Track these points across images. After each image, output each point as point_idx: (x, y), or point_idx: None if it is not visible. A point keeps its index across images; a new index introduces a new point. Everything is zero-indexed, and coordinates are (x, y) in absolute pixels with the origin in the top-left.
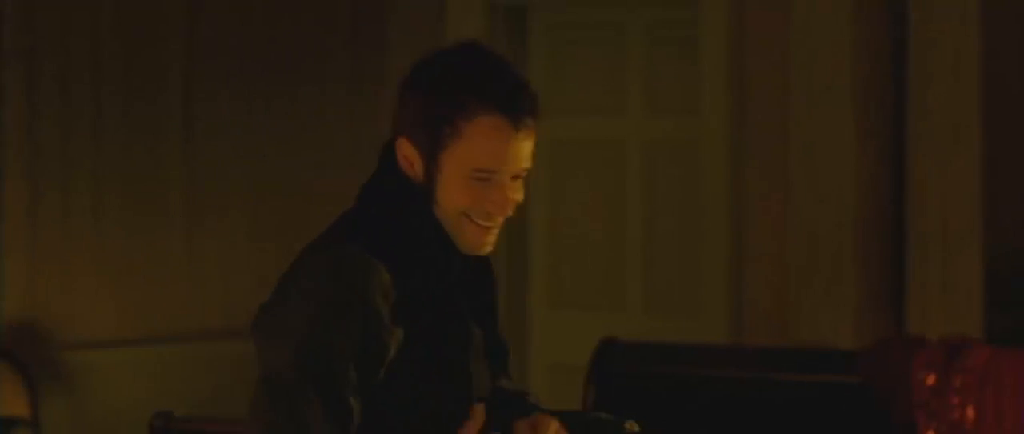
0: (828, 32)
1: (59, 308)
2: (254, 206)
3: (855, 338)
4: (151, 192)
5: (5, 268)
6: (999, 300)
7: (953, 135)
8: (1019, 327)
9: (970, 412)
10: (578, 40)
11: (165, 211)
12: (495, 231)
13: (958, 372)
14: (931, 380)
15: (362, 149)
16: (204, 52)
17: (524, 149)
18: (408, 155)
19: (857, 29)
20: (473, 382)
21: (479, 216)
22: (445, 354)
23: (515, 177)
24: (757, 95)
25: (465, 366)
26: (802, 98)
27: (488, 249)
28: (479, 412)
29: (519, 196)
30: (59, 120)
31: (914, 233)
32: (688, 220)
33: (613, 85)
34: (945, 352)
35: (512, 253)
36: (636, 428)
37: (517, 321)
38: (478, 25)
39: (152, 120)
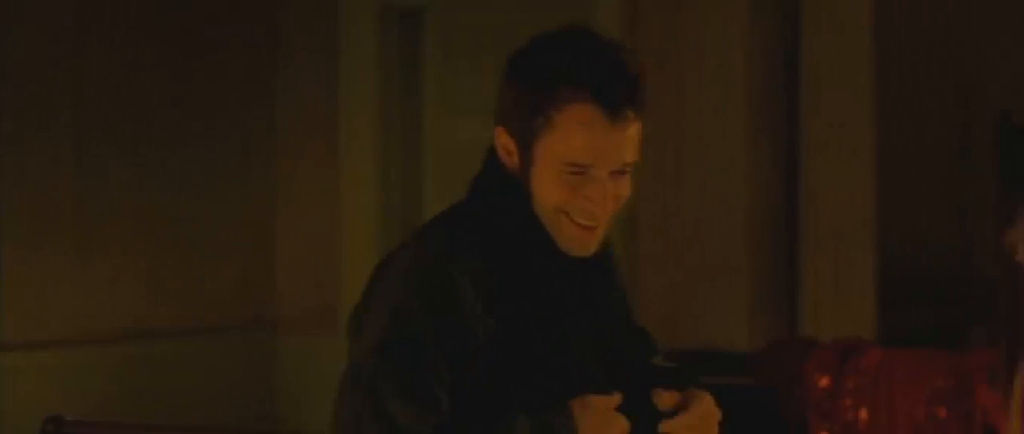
0: (722, 35)
1: None
2: (144, 232)
3: (749, 340)
4: (46, 217)
5: None
6: (892, 301)
7: (846, 138)
8: (912, 328)
9: (863, 413)
10: (471, 43)
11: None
12: (598, 231)
13: (851, 374)
14: (824, 382)
15: (248, 179)
16: (94, 95)
17: (624, 142)
18: (506, 145)
19: (751, 33)
20: (573, 377)
21: (577, 214)
22: (540, 347)
23: (616, 172)
24: (650, 98)
25: (562, 360)
26: (696, 101)
27: (588, 250)
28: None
29: (623, 192)
30: None
31: (807, 235)
32: None
33: None
34: (838, 354)
35: None
36: None
37: None
38: (372, 29)
39: (45, 155)
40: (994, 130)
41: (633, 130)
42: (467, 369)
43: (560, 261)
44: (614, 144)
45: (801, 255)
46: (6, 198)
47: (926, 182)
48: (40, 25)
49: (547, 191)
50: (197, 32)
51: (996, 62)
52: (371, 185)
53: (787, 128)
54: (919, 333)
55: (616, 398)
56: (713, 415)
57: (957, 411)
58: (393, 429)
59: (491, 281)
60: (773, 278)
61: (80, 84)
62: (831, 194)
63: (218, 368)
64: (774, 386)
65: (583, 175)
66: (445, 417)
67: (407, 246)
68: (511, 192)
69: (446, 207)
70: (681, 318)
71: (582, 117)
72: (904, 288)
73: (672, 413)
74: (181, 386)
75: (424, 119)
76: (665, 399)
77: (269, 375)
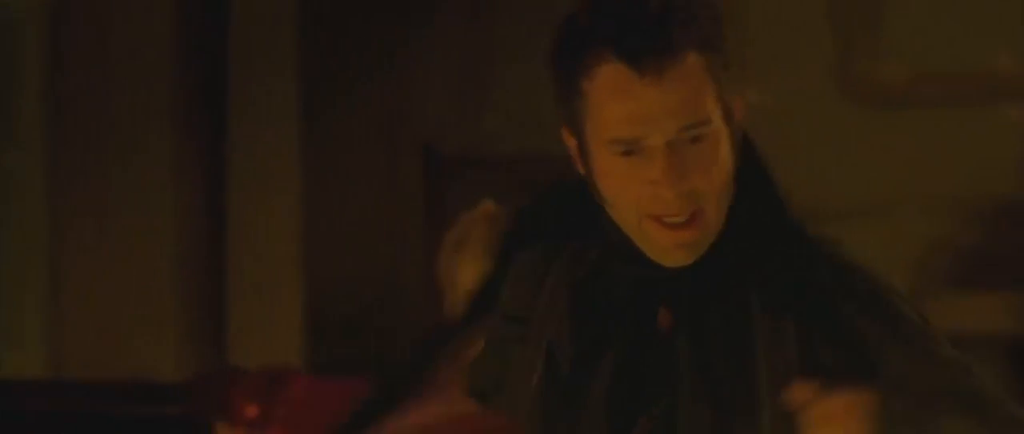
0: (144, 65)
1: None
2: None
3: (177, 370)
4: None
5: None
6: (321, 331)
7: (272, 168)
8: (341, 358)
9: None
10: None
11: None
12: (692, 230)
13: (279, 403)
14: (252, 411)
15: None
16: None
17: (670, 97)
18: (570, 145)
19: (173, 66)
20: (619, 416)
21: (652, 205)
22: (590, 384)
23: (684, 139)
24: (70, 121)
25: (612, 400)
26: (124, 128)
27: (688, 256)
28: None
29: (708, 161)
30: None
31: (234, 266)
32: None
33: None
34: (265, 383)
35: None
36: None
37: None
38: None
39: None
40: (420, 160)
41: (681, 78)
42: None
43: (652, 276)
44: (656, 103)
45: (229, 285)
46: None
47: (355, 213)
48: None
49: (610, 186)
50: None
51: (421, 96)
52: None
53: (213, 159)
54: (348, 363)
55: None
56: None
57: None
58: None
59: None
60: (201, 308)
61: None
62: (259, 224)
63: None
64: (203, 416)
65: (638, 154)
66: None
67: None
68: (581, 200)
69: None
70: (110, 349)
71: (610, 79)
72: (332, 318)
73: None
74: None
75: None
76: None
77: None
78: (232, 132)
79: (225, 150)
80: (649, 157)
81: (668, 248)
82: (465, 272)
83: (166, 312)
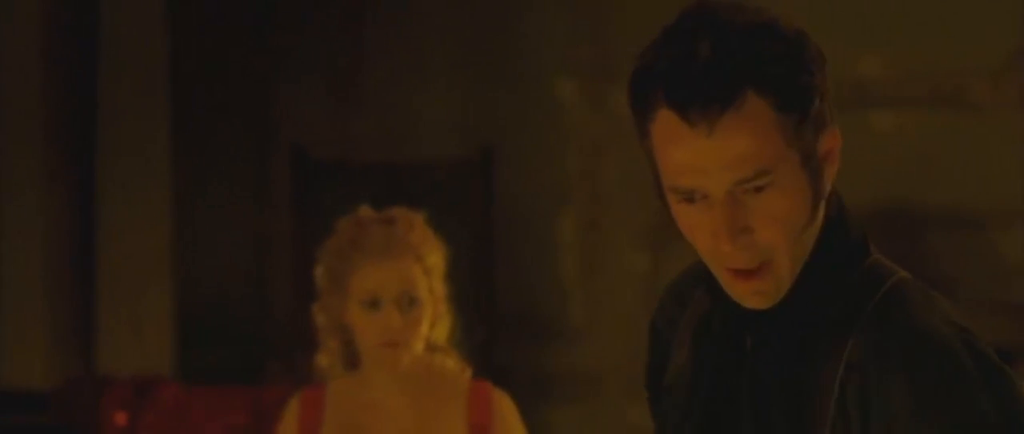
0: (12, 69)
1: None
2: None
3: (45, 378)
4: None
5: None
6: (191, 338)
7: (142, 173)
8: (211, 365)
9: None
10: None
11: None
12: (761, 280)
13: (148, 410)
14: (121, 419)
15: None
16: None
17: (724, 149)
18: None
19: (42, 70)
20: None
21: (717, 256)
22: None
23: (744, 190)
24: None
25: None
26: None
27: (757, 303)
28: None
29: (770, 211)
30: None
31: (104, 272)
32: None
33: None
34: (135, 390)
35: None
36: None
37: None
38: None
39: None
40: (291, 165)
41: (737, 127)
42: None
43: (728, 315)
44: (709, 154)
45: (97, 291)
46: None
47: (225, 218)
48: None
49: (685, 231)
50: None
51: (291, 98)
52: None
53: (82, 159)
54: (218, 371)
55: None
56: None
57: None
58: None
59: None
60: (69, 316)
61: None
62: (128, 230)
63: None
64: (72, 424)
65: (699, 202)
66: None
67: None
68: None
69: None
70: None
71: (665, 126)
72: (203, 325)
73: None
74: None
75: None
76: None
77: None
78: (101, 137)
79: (94, 155)
80: (710, 206)
81: (742, 295)
82: None
83: (34, 319)
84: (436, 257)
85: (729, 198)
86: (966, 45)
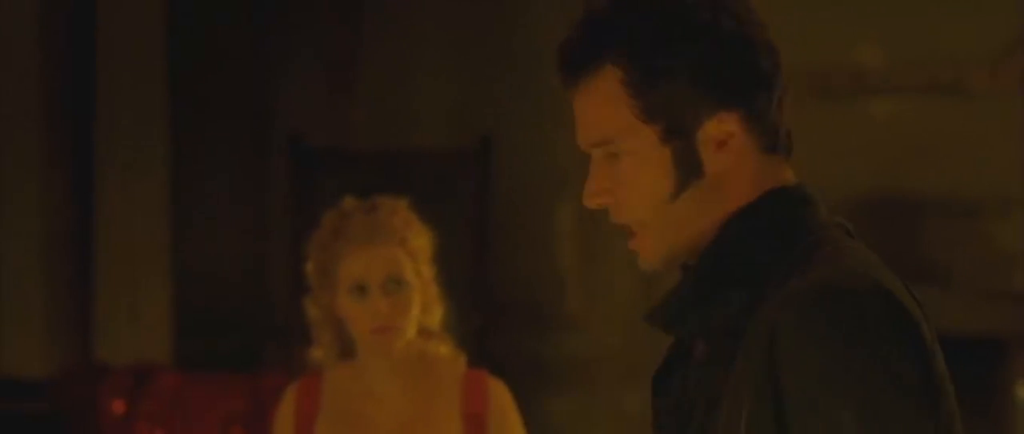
0: (11, 59)
1: None
2: None
3: (43, 366)
4: None
5: None
6: (189, 326)
7: (140, 161)
8: (210, 353)
9: None
10: None
11: None
12: (634, 242)
13: (146, 398)
14: (119, 407)
15: None
16: None
17: (581, 115)
18: None
19: (41, 60)
20: None
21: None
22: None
23: (595, 157)
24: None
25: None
26: None
27: (641, 263)
28: None
29: (608, 179)
30: None
31: (102, 260)
32: None
33: None
34: (133, 379)
35: None
36: None
37: None
38: None
39: None
40: (288, 153)
41: (589, 92)
42: None
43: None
44: (578, 116)
45: (95, 280)
46: None
47: (222, 206)
48: None
49: None
50: None
51: (289, 87)
52: None
53: (81, 151)
54: (217, 358)
55: None
56: None
57: (254, 431)
58: None
59: None
60: (67, 304)
61: None
62: (125, 218)
63: None
64: (70, 412)
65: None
66: None
67: None
68: None
69: None
70: None
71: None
72: (201, 313)
73: None
74: None
75: None
76: None
77: None
78: (99, 126)
79: (92, 144)
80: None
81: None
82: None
83: (33, 308)
84: (421, 240)
85: (594, 159)
86: (964, 33)
